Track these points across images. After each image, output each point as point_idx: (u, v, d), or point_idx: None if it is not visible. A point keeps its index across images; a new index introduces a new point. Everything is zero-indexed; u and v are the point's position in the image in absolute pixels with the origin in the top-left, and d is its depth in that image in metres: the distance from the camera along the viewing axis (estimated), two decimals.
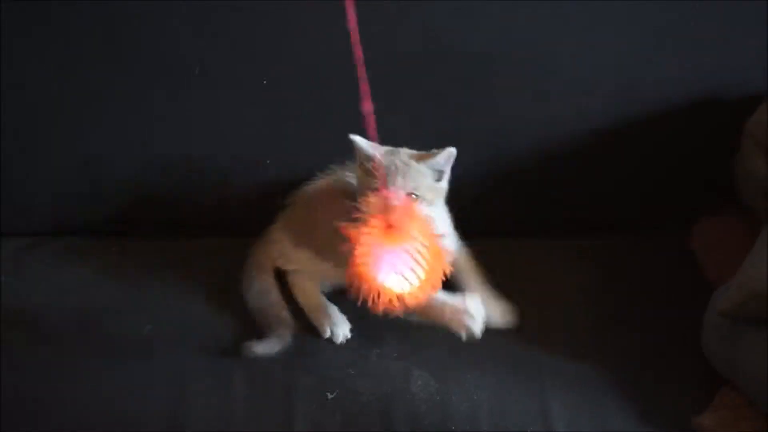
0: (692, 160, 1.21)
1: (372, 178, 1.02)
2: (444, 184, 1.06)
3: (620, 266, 1.19)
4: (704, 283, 1.11)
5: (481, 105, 1.18)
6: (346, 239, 0.93)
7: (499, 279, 1.13)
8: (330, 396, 0.99)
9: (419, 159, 1.05)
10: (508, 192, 1.22)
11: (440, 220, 1.07)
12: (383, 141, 0.98)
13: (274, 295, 1.10)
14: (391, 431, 0.97)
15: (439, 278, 0.93)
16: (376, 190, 1.00)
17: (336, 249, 0.96)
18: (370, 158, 1.03)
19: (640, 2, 1.14)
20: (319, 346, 1.05)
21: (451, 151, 1.05)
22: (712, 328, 1.02)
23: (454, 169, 1.09)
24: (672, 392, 1.02)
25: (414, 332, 1.06)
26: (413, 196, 1.03)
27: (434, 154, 1.05)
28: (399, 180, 1.02)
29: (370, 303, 0.91)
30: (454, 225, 1.10)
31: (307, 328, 1.07)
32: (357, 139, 1.04)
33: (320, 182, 1.17)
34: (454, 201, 1.12)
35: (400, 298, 0.91)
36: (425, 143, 1.07)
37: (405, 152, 1.06)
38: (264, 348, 1.02)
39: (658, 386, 1.03)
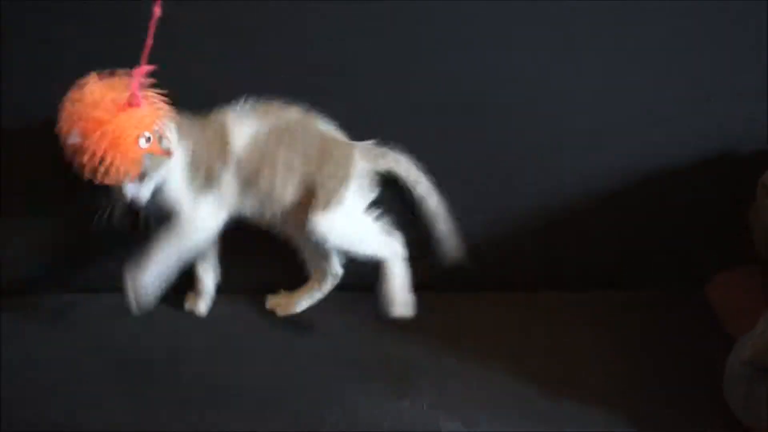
0: (708, 214, 1.20)
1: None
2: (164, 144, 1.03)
3: (639, 319, 1.18)
4: (723, 334, 1.10)
5: (494, 157, 1.18)
6: None
7: (522, 331, 1.14)
8: None
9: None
10: (526, 245, 1.21)
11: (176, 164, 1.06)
12: None
13: None
14: None
15: None
16: None
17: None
18: None
19: (655, 58, 1.14)
20: (352, 396, 1.04)
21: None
22: (734, 377, 1.00)
23: (468, 222, 1.13)
24: None
25: (443, 380, 1.05)
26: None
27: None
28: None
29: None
30: None
31: None
32: None
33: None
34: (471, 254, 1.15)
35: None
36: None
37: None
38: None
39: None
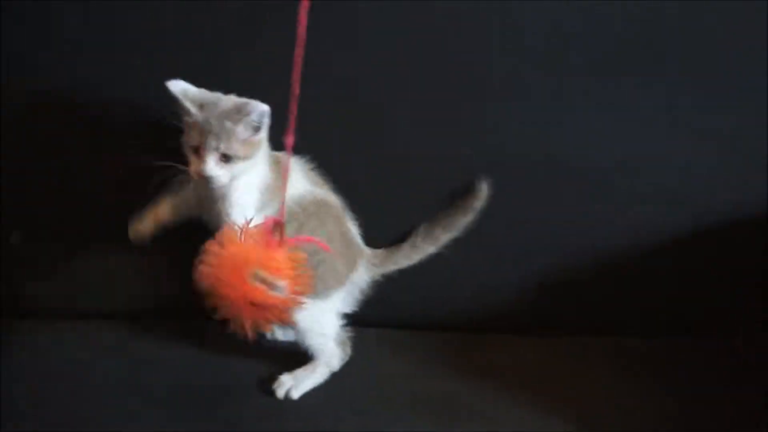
0: (745, 266, 1.22)
1: (192, 132, 1.01)
2: (261, 135, 1.04)
3: (680, 367, 1.19)
4: (761, 383, 1.12)
5: (550, 211, 1.20)
6: None
7: (567, 374, 1.15)
8: None
9: (239, 113, 1.02)
10: (572, 294, 1.22)
11: (259, 174, 1.07)
12: None
13: None
14: None
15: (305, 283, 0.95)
16: (193, 147, 1.01)
17: None
18: (189, 112, 1.02)
19: (701, 120, 1.17)
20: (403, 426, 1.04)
21: (264, 110, 1.01)
22: None
23: (518, 271, 1.16)
24: None
25: (493, 413, 1.06)
26: (225, 156, 1.01)
27: (248, 109, 1.01)
28: (212, 142, 1.00)
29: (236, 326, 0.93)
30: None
31: None
32: (175, 87, 1.02)
33: None
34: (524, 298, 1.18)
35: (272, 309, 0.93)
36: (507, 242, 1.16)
37: (227, 102, 1.03)
38: None
39: None
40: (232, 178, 1.02)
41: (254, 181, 1.05)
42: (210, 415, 1.03)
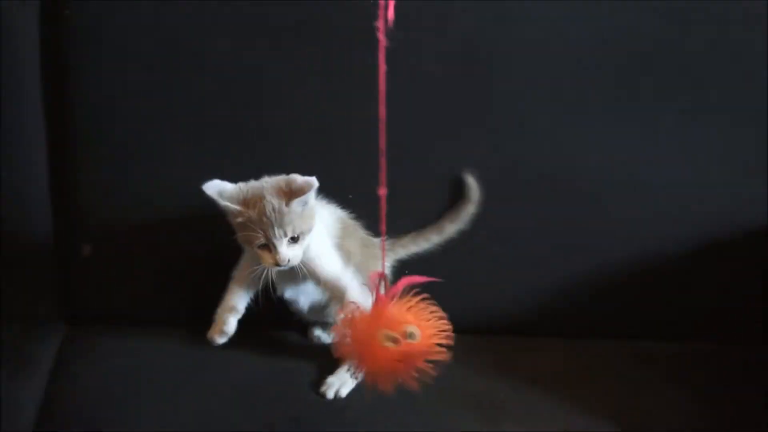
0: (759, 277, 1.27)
1: (251, 232, 1.03)
2: (312, 202, 1.06)
3: (709, 371, 1.24)
4: None
5: (566, 215, 1.26)
6: None
7: (599, 374, 1.22)
8: None
9: (286, 194, 1.04)
10: (606, 300, 1.28)
11: (318, 238, 1.10)
12: None
13: None
14: None
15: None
16: (263, 245, 1.04)
17: None
18: (238, 213, 1.04)
19: (724, 137, 1.23)
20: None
21: (311, 182, 1.04)
22: None
23: (556, 276, 1.23)
24: None
25: (528, 410, 1.13)
26: (292, 239, 1.04)
27: (298, 187, 1.04)
28: (278, 232, 1.03)
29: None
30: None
31: None
32: (211, 190, 1.04)
33: None
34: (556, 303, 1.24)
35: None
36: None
37: (270, 190, 1.05)
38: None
39: None
40: (306, 250, 1.07)
41: (323, 237, 1.11)
42: (273, 414, 1.10)
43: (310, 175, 1.04)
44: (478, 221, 1.23)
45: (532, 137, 1.23)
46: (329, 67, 1.18)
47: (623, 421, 1.12)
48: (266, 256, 1.05)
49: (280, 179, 1.07)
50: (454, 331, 1.24)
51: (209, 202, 1.05)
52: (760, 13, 1.19)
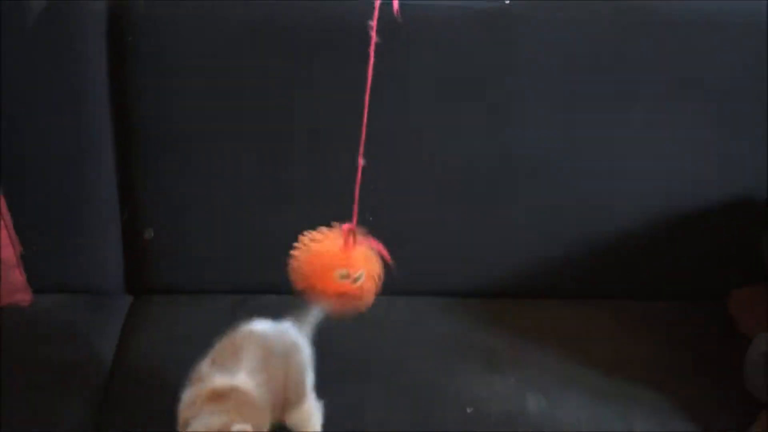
0: (729, 243, 1.44)
1: None
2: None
3: (676, 323, 1.43)
4: (741, 337, 1.35)
5: (556, 195, 1.42)
6: None
7: (589, 330, 1.40)
8: (469, 411, 1.22)
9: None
10: (594, 263, 1.46)
11: None
12: None
13: None
14: None
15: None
16: None
17: None
18: None
19: (688, 128, 1.38)
20: (457, 374, 1.30)
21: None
22: (753, 366, 1.26)
23: (553, 243, 1.42)
24: (724, 415, 1.24)
25: (525, 365, 1.31)
26: None
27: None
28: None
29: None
30: None
31: None
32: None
33: None
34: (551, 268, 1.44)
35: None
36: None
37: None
38: None
39: (712, 411, 1.25)
40: None
41: None
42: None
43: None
44: (480, 197, 1.41)
45: (532, 120, 1.37)
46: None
47: (606, 367, 1.31)
48: None
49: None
50: (460, 295, 1.48)
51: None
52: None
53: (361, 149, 1.03)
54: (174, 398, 1.02)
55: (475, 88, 1.35)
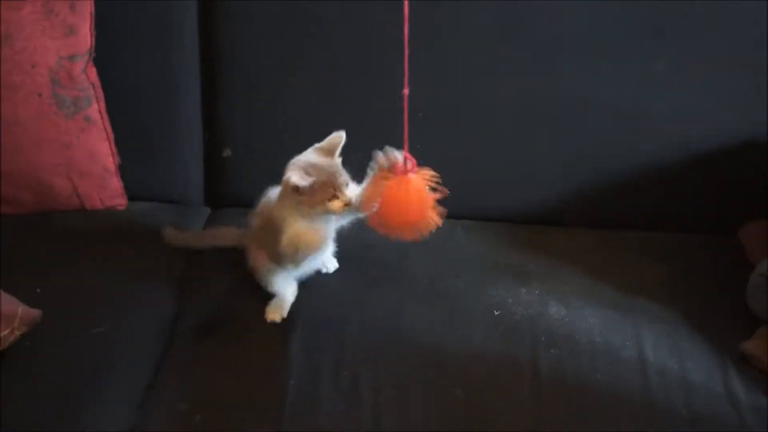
0: (743, 179, 1.56)
1: (322, 193, 1.22)
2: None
3: (692, 252, 1.55)
4: (749, 264, 1.44)
5: (585, 133, 1.56)
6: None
7: (605, 255, 1.53)
8: (496, 313, 1.38)
9: (328, 153, 1.25)
10: (612, 199, 1.60)
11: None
12: None
13: None
14: (537, 338, 1.33)
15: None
16: (333, 196, 1.23)
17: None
18: (310, 185, 1.21)
19: (707, 74, 1.50)
20: (488, 285, 1.44)
21: (341, 135, 1.26)
22: (755, 287, 1.38)
23: (577, 177, 1.56)
24: (726, 329, 1.36)
25: (549, 280, 1.45)
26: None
27: (332, 144, 1.26)
28: (343, 181, 1.23)
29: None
30: None
31: None
32: (292, 178, 1.20)
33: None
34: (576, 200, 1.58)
35: None
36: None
37: (318, 155, 1.26)
38: None
39: (717, 324, 1.37)
40: None
41: None
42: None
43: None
44: (516, 133, 1.56)
45: (559, 72, 1.53)
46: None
47: (622, 285, 1.45)
48: (335, 204, 1.23)
49: (315, 147, 1.27)
50: (494, 219, 1.62)
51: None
52: None
53: (406, 80, 1.15)
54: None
55: (509, 34, 1.51)
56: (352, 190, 1.25)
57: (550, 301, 1.41)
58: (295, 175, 1.21)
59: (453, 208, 1.50)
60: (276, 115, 1.58)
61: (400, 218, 1.20)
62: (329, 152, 1.26)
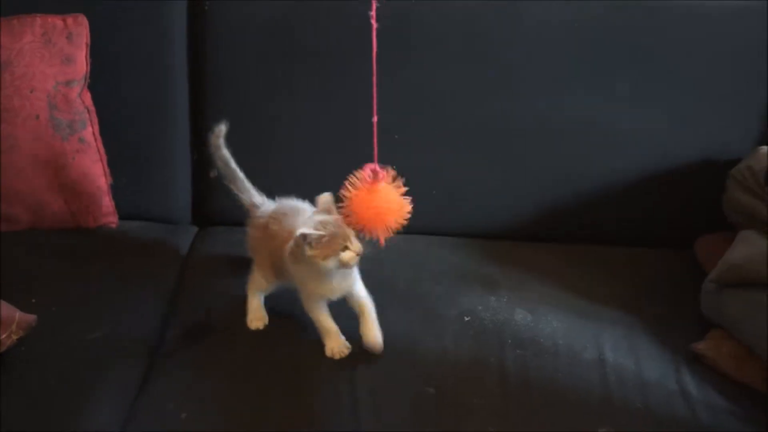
0: (698, 196, 1.67)
1: (333, 245, 1.27)
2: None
3: (651, 264, 1.66)
4: (704, 274, 1.52)
5: (553, 153, 1.68)
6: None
7: (566, 267, 1.64)
8: (466, 319, 1.46)
9: (329, 210, 1.30)
10: (574, 217, 1.71)
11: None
12: None
13: None
14: (504, 341, 1.41)
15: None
16: (345, 247, 1.27)
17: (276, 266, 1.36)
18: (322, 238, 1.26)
19: (666, 98, 1.63)
20: (460, 293, 1.53)
21: (330, 197, 1.30)
22: (706, 293, 1.48)
23: (542, 196, 1.66)
24: (681, 332, 1.46)
25: (516, 289, 1.54)
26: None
27: (329, 203, 1.30)
28: (348, 231, 1.27)
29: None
30: None
31: None
32: (305, 231, 1.25)
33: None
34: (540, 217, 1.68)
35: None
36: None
37: (324, 210, 1.30)
38: None
39: (672, 328, 1.47)
40: None
41: None
42: None
43: None
44: (485, 155, 1.67)
45: (530, 88, 1.64)
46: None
47: (585, 294, 1.55)
48: (347, 255, 1.28)
49: (314, 211, 1.33)
50: (467, 235, 1.72)
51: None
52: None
53: (375, 107, 1.25)
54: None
55: (483, 58, 1.62)
56: (357, 244, 1.30)
57: (517, 308, 1.50)
58: (307, 229, 1.27)
59: (430, 225, 1.68)
60: (260, 138, 1.68)
61: (369, 212, 1.24)
62: (328, 211, 1.31)
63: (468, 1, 1.61)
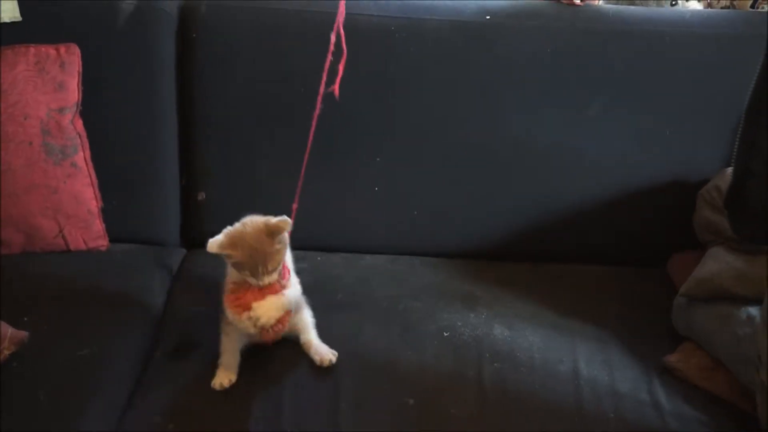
0: (669, 216, 1.73)
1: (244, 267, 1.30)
2: (285, 239, 1.32)
3: (624, 282, 1.71)
4: (676, 291, 1.58)
5: (528, 175, 1.74)
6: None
7: (543, 285, 1.69)
8: (446, 334, 1.50)
9: (269, 234, 1.27)
10: (548, 235, 1.76)
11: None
12: None
13: None
14: (482, 355, 1.46)
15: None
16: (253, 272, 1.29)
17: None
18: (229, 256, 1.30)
19: (635, 121, 1.69)
20: (441, 310, 1.58)
21: (287, 222, 1.28)
22: (677, 307, 1.54)
23: (520, 218, 1.71)
24: (653, 345, 1.50)
25: (495, 303, 1.60)
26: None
27: (275, 227, 1.28)
28: (261, 268, 1.28)
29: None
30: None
31: None
32: (210, 240, 1.29)
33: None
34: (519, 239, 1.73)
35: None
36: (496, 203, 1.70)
37: (252, 233, 1.28)
38: None
39: (644, 342, 1.52)
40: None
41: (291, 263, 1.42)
42: None
43: None
44: (464, 180, 1.72)
45: (503, 118, 1.70)
46: None
47: (560, 310, 1.60)
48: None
49: (259, 222, 1.30)
50: (447, 255, 1.77)
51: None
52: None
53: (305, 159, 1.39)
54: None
55: (458, 84, 1.68)
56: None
57: (495, 323, 1.55)
58: (214, 240, 1.29)
59: (412, 246, 1.74)
60: (246, 162, 1.73)
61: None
62: (270, 234, 1.28)
63: (443, 30, 1.67)
